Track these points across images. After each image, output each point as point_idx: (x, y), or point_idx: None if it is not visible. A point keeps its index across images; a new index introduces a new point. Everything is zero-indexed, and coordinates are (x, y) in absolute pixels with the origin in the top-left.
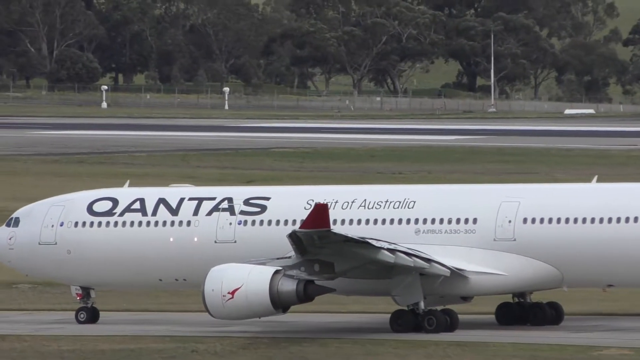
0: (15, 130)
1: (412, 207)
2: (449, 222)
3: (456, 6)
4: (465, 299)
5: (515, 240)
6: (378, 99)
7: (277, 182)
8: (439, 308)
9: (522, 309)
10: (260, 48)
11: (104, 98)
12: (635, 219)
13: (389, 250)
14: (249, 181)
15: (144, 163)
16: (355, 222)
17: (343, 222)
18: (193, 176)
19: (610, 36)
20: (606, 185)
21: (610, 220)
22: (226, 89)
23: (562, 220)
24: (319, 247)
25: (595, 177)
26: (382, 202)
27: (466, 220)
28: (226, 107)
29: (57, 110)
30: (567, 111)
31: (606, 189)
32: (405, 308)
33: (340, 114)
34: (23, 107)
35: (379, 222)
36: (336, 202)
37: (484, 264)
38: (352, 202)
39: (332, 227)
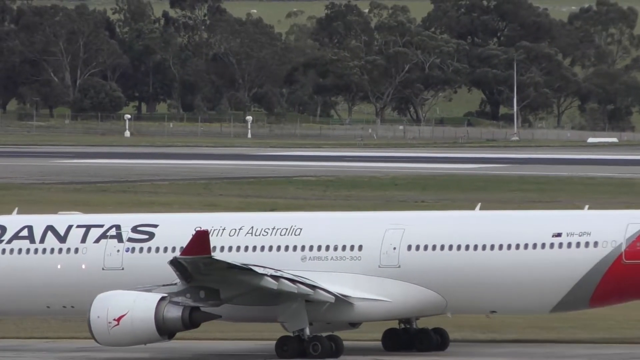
0: (39, 159)
1: (299, 235)
2: (335, 249)
3: (479, 35)
4: (354, 325)
5: (399, 267)
6: (401, 127)
7: (300, 210)
8: (324, 334)
9: (408, 335)
10: (283, 77)
11: (127, 127)
12: (517, 246)
13: (272, 277)
14: (272, 209)
15: (167, 192)
16: (242, 249)
17: (230, 249)
18: (216, 204)
19: (633, 65)
20: (489, 213)
21: (492, 247)
22: (249, 118)
23: (446, 247)
24: (205, 274)
25: (479, 205)
26: (269, 229)
27: (352, 247)
28: (249, 135)
29: (80, 139)
30: (590, 140)
31: (489, 216)
32: (291, 334)
33: (362, 142)
34: (46, 136)
35: (266, 249)
36: (223, 229)
37: (369, 291)
38: (240, 229)
39: (214, 253)
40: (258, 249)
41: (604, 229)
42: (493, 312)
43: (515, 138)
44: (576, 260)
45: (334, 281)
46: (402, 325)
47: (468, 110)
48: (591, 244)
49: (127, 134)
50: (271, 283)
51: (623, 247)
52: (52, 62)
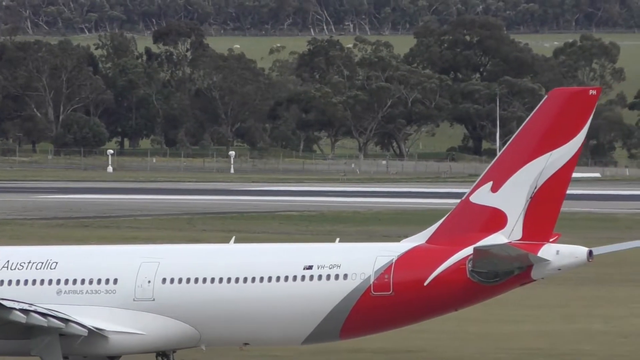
0: (21, 194)
1: (54, 268)
2: (90, 282)
3: (462, 70)
4: (112, 358)
5: (154, 300)
6: (384, 162)
7: None
8: None
9: None
10: (266, 112)
11: (109, 162)
12: (269, 279)
13: (21, 310)
14: None
15: (149, 227)
16: None
17: None
18: (199, 239)
19: (616, 100)
20: (242, 246)
21: (245, 279)
22: (232, 153)
23: (200, 280)
24: None
25: (233, 238)
26: (24, 263)
27: (107, 281)
28: (232, 170)
29: (63, 175)
30: (573, 175)
31: (242, 249)
32: None
33: (345, 177)
34: (29, 171)
35: (22, 283)
36: None
37: (123, 324)
38: None
39: None
40: (14, 282)
41: (353, 262)
42: (246, 344)
43: None
44: (326, 292)
45: (88, 315)
46: (160, 359)
47: (451, 145)
48: (341, 277)
49: (110, 169)
50: (20, 317)
51: (371, 280)
52: (35, 98)
